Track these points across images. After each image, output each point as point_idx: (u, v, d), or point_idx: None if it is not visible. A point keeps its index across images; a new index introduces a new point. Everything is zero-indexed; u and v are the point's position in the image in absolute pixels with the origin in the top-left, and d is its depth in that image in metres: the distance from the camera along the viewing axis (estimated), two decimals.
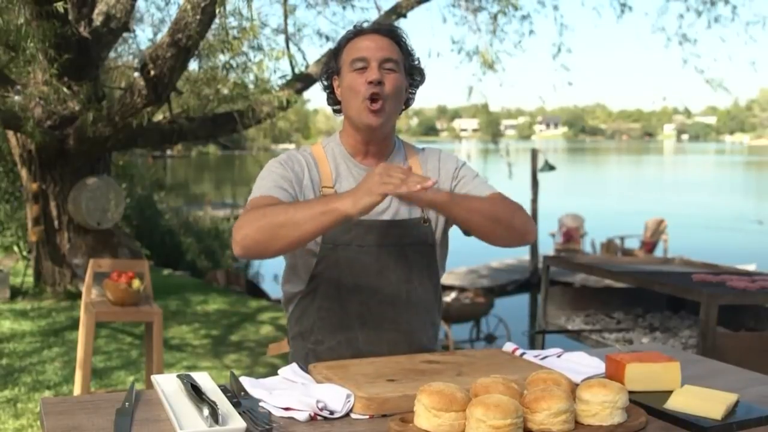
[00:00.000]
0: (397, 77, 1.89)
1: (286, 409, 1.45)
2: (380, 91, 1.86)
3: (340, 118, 2.02)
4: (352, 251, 1.89)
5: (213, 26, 6.44)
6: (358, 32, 1.93)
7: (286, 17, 8.40)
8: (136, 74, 7.25)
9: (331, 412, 1.45)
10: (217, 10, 5.23)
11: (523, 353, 1.89)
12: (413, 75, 1.97)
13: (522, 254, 14.51)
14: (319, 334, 1.94)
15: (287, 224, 1.65)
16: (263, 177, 1.90)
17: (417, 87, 2.01)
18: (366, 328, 1.91)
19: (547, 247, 13.34)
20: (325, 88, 2.01)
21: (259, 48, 7.49)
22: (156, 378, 1.59)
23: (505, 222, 1.84)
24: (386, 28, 1.94)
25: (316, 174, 1.93)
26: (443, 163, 2.03)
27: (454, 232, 2.07)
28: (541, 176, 14.40)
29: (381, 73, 1.86)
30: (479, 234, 1.85)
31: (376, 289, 1.91)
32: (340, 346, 1.91)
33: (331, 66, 1.97)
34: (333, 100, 2.00)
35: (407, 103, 2.01)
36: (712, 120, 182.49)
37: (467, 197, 1.86)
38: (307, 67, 8.37)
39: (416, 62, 1.98)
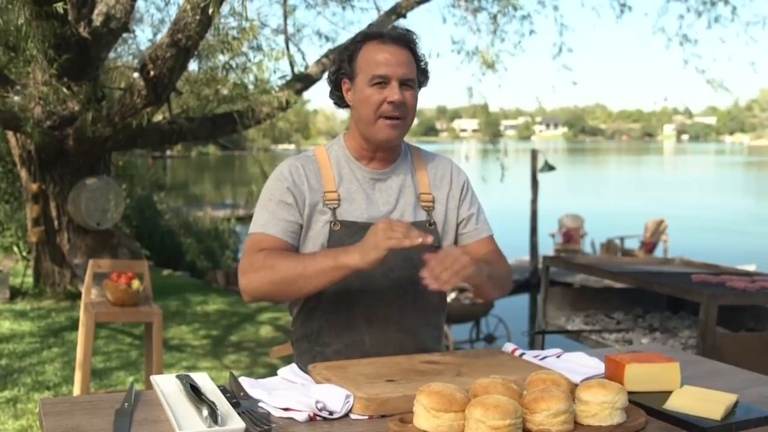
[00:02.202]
0: (413, 93, 1.90)
1: (286, 409, 1.45)
2: (400, 111, 1.87)
3: (341, 118, 2.03)
4: None
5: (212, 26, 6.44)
6: (375, 36, 1.90)
7: (285, 17, 8.41)
8: (136, 74, 7.26)
9: (331, 413, 1.45)
10: (211, 10, 5.22)
11: (523, 353, 1.89)
12: (420, 78, 1.96)
13: (522, 254, 14.52)
14: (326, 337, 1.94)
15: (298, 280, 1.76)
16: (263, 206, 1.91)
17: (421, 88, 2.00)
18: (373, 329, 1.91)
19: (546, 247, 13.34)
20: (331, 83, 1.99)
21: (259, 48, 7.50)
22: (155, 378, 1.59)
23: (504, 286, 2.02)
24: (404, 38, 1.91)
25: (317, 181, 1.92)
26: (455, 176, 2.05)
27: None
28: (541, 176, 14.41)
29: (401, 92, 1.86)
30: (477, 293, 2.00)
31: (383, 291, 1.90)
32: (347, 348, 1.91)
33: (343, 67, 1.93)
34: (338, 97, 1.98)
35: None
36: (712, 120, 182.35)
37: (490, 266, 1.92)
38: (306, 67, 8.37)
39: (425, 66, 1.97)
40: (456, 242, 2.04)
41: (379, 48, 1.88)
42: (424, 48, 1.98)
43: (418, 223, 1.95)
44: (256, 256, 1.82)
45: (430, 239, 1.68)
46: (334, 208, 1.90)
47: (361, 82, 1.89)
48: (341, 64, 1.94)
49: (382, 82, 1.85)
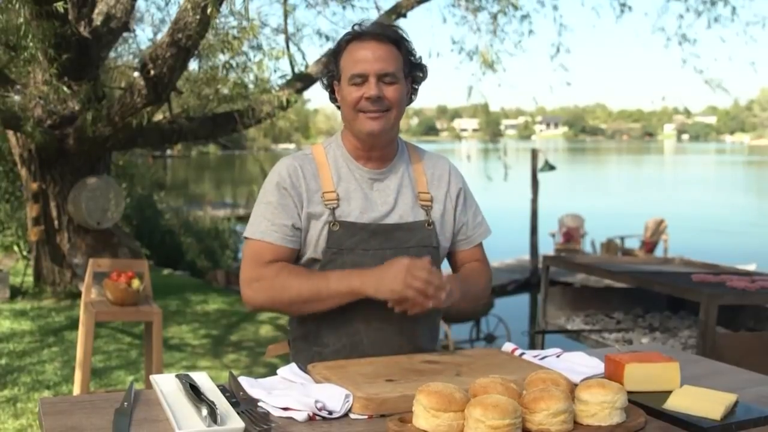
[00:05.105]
0: (396, 88, 1.88)
1: (285, 409, 1.45)
2: (380, 106, 1.86)
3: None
4: (356, 255, 1.88)
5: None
6: (356, 36, 1.90)
7: (285, 17, 8.40)
8: (136, 74, 7.25)
9: (330, 412, 1.45)
10: (210, 10, 5.22)
11: (523, 353, 1.89)
12: (415, 72, 1.96)
13: (522, 254, 14.51)
14: (325, 337, 1.93)
15: (310, 301, 1.84)
16: (261, 211, 1.90)
17: (420, 83, 2.00)
18: (371, 330, 1.91)
19: (547, 247, 13.33)
20: (326, 87, 2.00)
21: (259, 48, 7.50)
22: (155, 378, 1.59)
23: (478, 299, 2.07)
24: (385, 33, 1.91)
25: (315, 182, 1.91)
26: (453, 178, 2.05)
27: None
28: (541, 176, 14.41)
29: (380, 87, 1.85)
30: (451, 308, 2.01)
31: None
32: (345, 348, 1.91)
33: (331, 69, 1.96)
34: (335, 99, 1.99)
35: (410, 100, 2.00)
36: (712, 120, 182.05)
37: (469, 284, 1.98)
38: (306, 67, 8.37)
39: (418, 60, 1.96)
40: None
41: (358, 47, 1.89)
42: (424, 48, 1.98)
43: (417, 223, 1.95)
44: (262, 271, 1.84)
45: (445, 297, 1.76)
46: (333, 208, 1.89)
47: (343, 82, 1.90)
48: (330, 67, 1.97)
49: (361, 80, 1.86)
